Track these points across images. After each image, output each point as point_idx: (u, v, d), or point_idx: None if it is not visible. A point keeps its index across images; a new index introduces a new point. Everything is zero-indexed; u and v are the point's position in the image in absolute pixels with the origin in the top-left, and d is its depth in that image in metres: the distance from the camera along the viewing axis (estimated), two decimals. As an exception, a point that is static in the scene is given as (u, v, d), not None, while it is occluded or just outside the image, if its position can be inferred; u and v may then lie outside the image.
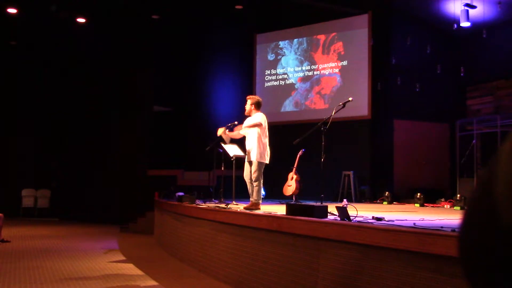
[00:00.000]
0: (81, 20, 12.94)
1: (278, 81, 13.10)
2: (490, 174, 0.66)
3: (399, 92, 11.05)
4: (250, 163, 6.78)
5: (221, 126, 7.57)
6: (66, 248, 9.06)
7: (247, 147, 6.85)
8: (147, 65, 13.82)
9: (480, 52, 11.21)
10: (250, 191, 6.85)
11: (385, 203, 9.46)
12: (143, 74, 13.87)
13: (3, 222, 9.24)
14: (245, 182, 6.90)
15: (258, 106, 6.94)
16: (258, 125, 6.71)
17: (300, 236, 4.81)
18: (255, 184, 6.68)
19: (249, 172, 6.80)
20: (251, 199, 6.77)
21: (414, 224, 4.37)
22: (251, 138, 6.79)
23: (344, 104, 6.97)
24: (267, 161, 6.81)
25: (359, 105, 11.20)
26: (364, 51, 11.52)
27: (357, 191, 10.74)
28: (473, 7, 9.56)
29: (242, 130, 6.97)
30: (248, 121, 6.91)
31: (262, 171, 6.76)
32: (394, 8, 11.43)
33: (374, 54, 11.36)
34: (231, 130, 8.30)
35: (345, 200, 7.69)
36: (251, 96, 7.09)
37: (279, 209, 6.21)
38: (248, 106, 6.95)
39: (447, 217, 5.79)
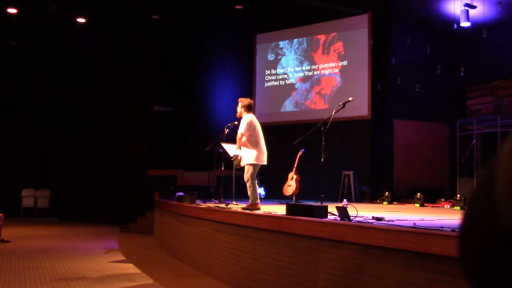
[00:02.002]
0: (81, 20, 12.94)
1: (278, 81, 13.10)
2: (490, 174, 0.66)
3: (399, 92, 11.05)
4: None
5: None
6: (66, 248, 9.06)
7: (240, 152, 6.83)
8: (147, 65, 13.82)
9: (480, 52, 11.21)
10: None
11: (385, 203, 9.46)
12: (143, 74, 13.87)
13: (3, 222, 9.24)
14: (245, 183, 6.88)
15: (248, 108, 6.81)
16: (240, 138, 6.62)
17: (300, 236, 4.81)
18: (247, 185, 6.63)
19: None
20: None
21: (414, 224, 4.37)
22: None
23: (344, 104, 6.98)
24: (262, 162, 6.69)
25: (359, 105, 11.20)
26: (364, 51, 11.51)
27: (357, 191, 10.74)
28: (473, 7, 9.56)
29: (238, 143, 6.80)
30: (239, 128, 6.76)
31: (256, 172, 6.65)
32: (394, 8, 11.42)
33: (374, 54, 11.36)
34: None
35: (345, 200, 7.69)
36: (241, 99, 6.95)
37: (279, 209, 6.21)
38: (238, 109, 6.86)
39: (447, 217, 5.79)
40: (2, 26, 13.64)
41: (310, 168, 9.62)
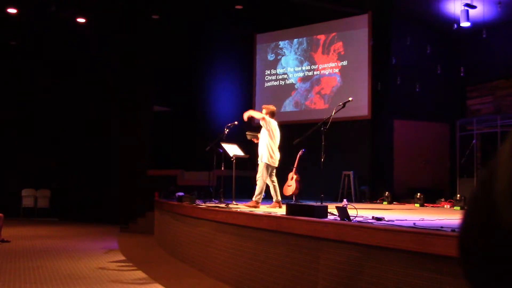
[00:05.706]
0: (81, 20, 12.94)
1: (278, 81, 13.10)
2: (490, 173, 0.66)
3: (399, 92, 11.05)
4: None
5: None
6: (66, 248, 9.06)
7: (259, 150, 7.33)
8: (147, 65, 13.81)
9: (480, 52, 11.21)
10: (271, 192, 7.43)
11: (385, 203, 9.46)
12: (143, 74, 13.86)
13: (3, 222, 9.23)
14: (254, 182, 7.45)
15: (272, 115, 7.41)
16: (262, 118, 7.21)
17: (300, 236, 4.81)
18: (257, 183, 7.12)
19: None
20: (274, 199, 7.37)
21: (414, 224, 4.37)
22: (262, 142, 7.28)
23: (344, 104, 6.98)
24: (275, 164, 7.22)
25: (359, 105, 11.20)
26: (364, 51, 11.51)
27: (357, 191, 10.73)
28: (473, 7, 9.56)
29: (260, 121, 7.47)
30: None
31: (268, 172, 7.20)
32: (394, 8, 11.42)
33: (374, 54, 11.36)
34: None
35: (345, 200, 7.68)
36: (265, 106, 7.60)
37: (279, 209, 6.21)
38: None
39: (447, 217, 5.79)
40: (2, 26, 13.64)
41: (310, 168, 9.63)
